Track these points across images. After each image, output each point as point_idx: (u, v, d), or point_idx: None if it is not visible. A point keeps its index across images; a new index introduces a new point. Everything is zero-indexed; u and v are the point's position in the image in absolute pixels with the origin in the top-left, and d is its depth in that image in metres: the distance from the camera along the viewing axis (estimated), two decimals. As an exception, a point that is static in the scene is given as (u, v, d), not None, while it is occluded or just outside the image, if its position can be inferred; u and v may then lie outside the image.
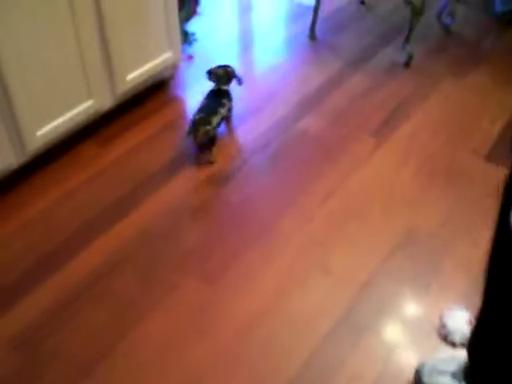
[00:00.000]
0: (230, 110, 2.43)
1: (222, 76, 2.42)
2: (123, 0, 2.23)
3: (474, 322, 1.65)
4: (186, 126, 2.37)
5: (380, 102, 2.64)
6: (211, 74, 2.43)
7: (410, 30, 2.81)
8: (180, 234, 2.00)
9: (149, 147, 2.37)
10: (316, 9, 3.08)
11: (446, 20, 3.22)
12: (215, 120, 2.26)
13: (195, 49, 3.03)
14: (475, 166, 2.29)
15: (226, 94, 2.41)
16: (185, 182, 2.21)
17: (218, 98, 2.37)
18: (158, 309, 1.77)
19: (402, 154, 2.34)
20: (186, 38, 2.98)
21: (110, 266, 1.90)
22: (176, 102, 2.66)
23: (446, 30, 3.21)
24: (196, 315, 1.75)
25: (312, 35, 3.12)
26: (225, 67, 2.45)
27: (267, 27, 3.25)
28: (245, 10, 3.47)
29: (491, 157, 2.33)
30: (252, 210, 2.09)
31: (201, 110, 2.30)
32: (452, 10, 3.18)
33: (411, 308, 1.78)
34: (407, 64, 2.87)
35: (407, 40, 2.85)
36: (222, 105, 2.35)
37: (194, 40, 3.04)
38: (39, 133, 2.14)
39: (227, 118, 2.44)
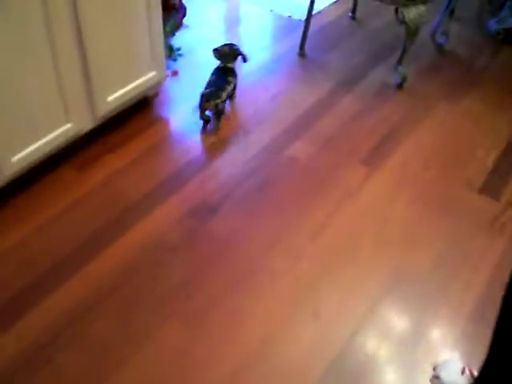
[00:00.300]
0: (234, 86, 2.62)
1: (228, 54, 2.60)
2: (104, 20, 2.15)
3: (471, 372, 1.62)
4: (170, 149, 2.36)
5: (371, 126, 2.60)
6: (217, 52, 2.60)
7: (404, 50, 2.76)
8: (162, 271, 1.94)
9: (131, 172, 2.30)
10: (307, 25, 3.03)
11: (440, 39, 3.18)
12: (224, 95, 2.47)
13: (180, 64, 2.96)
14: (469, 199, 2.25)
15: (232, 72, 2.60)
16: (168, 213, 2.14)
17: (224, 75, 2.56)
18: (137, 355, 1.70)
19: (394, 185, 2.30)
20: (171, 53, 2.91)
21: (86, 306, 1.82)
22: (160, 122, 2.59)
23: (440, 49, 3.18)
24: (179, 362, 1.69)
25: (302, 52, 3.07)
26: (230, 46, 2.62)
27: (256, 42, 3.19)
28: (232, 23, 3.41)
29: (485, 189, 2.30)
30: (238, 246, 2.03)
31: (209, 84, 2.50)
32: (446, 28, 3.15)
33: (404, 355, 1.73)
34: (400, 86, 2.83)
35: (400, 61, 2.81)
36: (228, 82, 2.54)
37: (180, 55, 2.98)
38: (14, 158, 2.06)
39: (231, 95, 2.62)
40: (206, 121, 2.53)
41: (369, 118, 2.65)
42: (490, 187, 2.31)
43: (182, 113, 2.64)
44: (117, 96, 2.36)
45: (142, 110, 2.62)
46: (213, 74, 2.58)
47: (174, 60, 2.93)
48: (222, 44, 2.64)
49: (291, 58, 3.06)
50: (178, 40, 3.09)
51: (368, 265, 1.99)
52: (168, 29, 2.95)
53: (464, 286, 1.93)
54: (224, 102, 2.49)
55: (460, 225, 2.15)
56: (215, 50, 2.62)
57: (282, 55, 3.09)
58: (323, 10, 3.46)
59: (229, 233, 2.08)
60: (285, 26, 3.36)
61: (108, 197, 2.20)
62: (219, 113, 2.49)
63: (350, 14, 3.42)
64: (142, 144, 2.44)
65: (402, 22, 2.66)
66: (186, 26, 3.25)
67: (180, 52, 2.99)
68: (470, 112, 2.71)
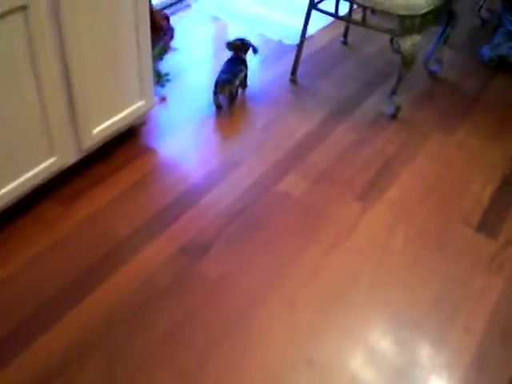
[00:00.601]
0: (245, 76, 2.91)
1: (240, 47, 2.88)
2: (91, 49, 2.11)
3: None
4: (159, 182, 2.37)
5: (366, 158, 2.58)
6: (230, 45, 2.89)
7: (399, 80, 2.75)
8: (151, 317, 1.89)
9: (118, 208, 2.26)
10: (299, 50, 3.00)
11: (433, 66, 3.18)
12: (237, 81, 2.76)
13: (168, 89, 2.92)
14: (466, 237, 2.24)
15: (243, 62, 2.89)
16: (158, 251, 2.10)
17: (236, 64, 2.84)
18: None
19: (391, 222, 2.28)
20: (159, 78, 2.87)
21: (71, 356, 1.77)
22: (148, 152, 2.55)
23: (433, 77, 3.18)
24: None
25: (293, 78, 3.05)
26: (242, 40, 2.90)
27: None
28: (221, 45, 3.37)
29: (482, 227, 2.29)
30: (230, 289, 1.99)
31: (223, 72, 2.77)
32: (439, 56, 3.15)
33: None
34: (394, 116, 2.82)
35: (395, 90, 2.80)
36: (241, 70, 2.84)
37: (168, 81, 2.94)
38: (-4, 195, 2.01)
39: (243, 84, 2.93)
40: (219, 107, 2.80)
41: (363, 149, 2.64)
42: (487, 225, 2.30)
43: (171, 142, 2.60)
44: (103, 128, 2.31)
45: (128, 140, 2.58)
46: (226, 63, 2.84)
47: (162, 86, 2.89)
48: (235, 38, 2.91)
49: (282, 84, 3.04)
50: (166, 64, 3.06)
51: (364, 309, 1.96)
52: (156, 52, 2.92)
53: (463, 331, 1.91)
54: (237, 88, 2.79)
55: (457, 265, 2.13)
56: (228, 44, 2.89)
57: (272, 81, 3.07)
58: (314, 34, 3.45)
59: (221, 274, 2.04)
60: (275, 50, 3.34)
61: (94, 234, 2.15)
62: (233, 98, 2.77)
63: (342, 39, 3.41)
64: (130, 177, 2.40)
65: (398, 51, 2.65)
66: (174, 49, 3.22)
67: (168, 77, 2.95)
68: (464, 144, 2.71)
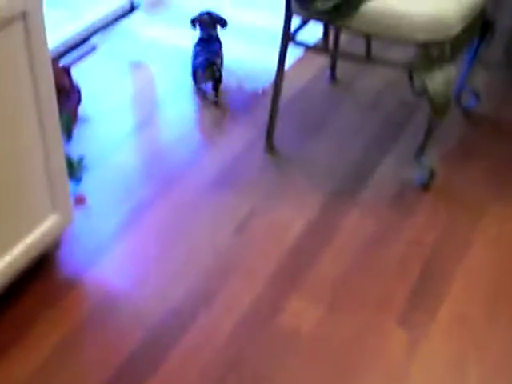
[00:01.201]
0: (221, 57, 3.38)
1: (209, 22, 3.40)
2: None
3: None
4: (94, 338, 2.29)
5: (399, 258, 2.57)
6: (197, 21, 3.40)
7: (428, 134, 2.76)
8: None
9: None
10: (275, 99, 2.98)
11: (467, 101, 3.23)
12: (218, 60, 3.27)
13: (86, 184, 2.87)
14: None
15: (216, 40, 3.41)
16: None
17: (211, 44, 3.35)
18: None
19: (454, 360, 2.23)
20: (72, 170, 2.80)
21: None
22: (71, 289, 2.46)
23: (470, 116, 3.23)
24: None
25: (270, 145, 3.05)
26: (209, 13, 3.42)
27: (192, 139, 3.17)
28: (148, 108, 3.38)
29: None
30: None
31: (200, 54, 3.28)
32: (474, 85, 3.19)
33: None
34: (426, 186, 2.82)
35: (423, 149, 2.80)
36: (215, 51, 3.34)
37: (83, 169, 2.88)
38: None
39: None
40: (204, 94, 3.34)
41: (391, 243, 2.62)
42: None
43: (102, 267, 2.55)
44: (3, 265, 2.25)
45: (40, 273, 2.51)
46: (198, 45, 3.35)
47: (77, 181, 2.83)
48: (199, 13, 3.42)
49: (255, 155, 3.04)
50: (77, 144, 3.02)
51: None
52: (62, 125, 2.87)
53: None
54: (219, 68, 3.28)
55: None
56: (193, 21, 3.40)
57: (240, 152, 3.07)
58: (287, 71, 3.45)
59: None
60: (234, 101, 3.37)
61: None
62: (218, 79, 3.26)
63: (329, 75, 3.45)
64: (48, 336, 2.29)
65: (423, 93, 2.66)
66: (84, 120, 3.19)
67: (83, 164, 2.89)
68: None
